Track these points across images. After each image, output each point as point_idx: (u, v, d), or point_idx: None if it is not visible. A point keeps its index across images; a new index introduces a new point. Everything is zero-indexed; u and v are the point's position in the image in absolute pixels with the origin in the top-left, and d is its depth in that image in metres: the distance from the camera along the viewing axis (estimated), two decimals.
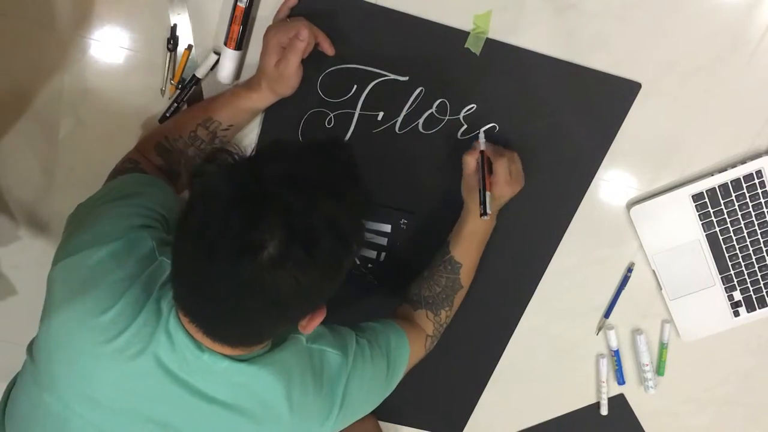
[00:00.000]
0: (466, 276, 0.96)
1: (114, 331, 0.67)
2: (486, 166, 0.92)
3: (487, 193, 0.91)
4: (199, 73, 0.94)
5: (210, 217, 0.59)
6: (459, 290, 0.97)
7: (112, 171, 0.92)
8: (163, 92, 0.97)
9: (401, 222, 1.03)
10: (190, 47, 0.94)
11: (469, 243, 0.95)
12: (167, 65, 0.95)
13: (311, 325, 0.70)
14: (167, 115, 0.96)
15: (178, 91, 0.95)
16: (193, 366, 0.68)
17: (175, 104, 0.95)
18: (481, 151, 0.93)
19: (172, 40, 0.93)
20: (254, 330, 0.68)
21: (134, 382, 0.68)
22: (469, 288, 0.99)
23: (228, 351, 0.69)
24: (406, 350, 0.89)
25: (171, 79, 0.95)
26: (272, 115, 0.97)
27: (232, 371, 0.69)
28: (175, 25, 0.93)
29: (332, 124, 0.97)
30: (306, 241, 0.59)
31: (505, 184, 0.92)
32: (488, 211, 0.90)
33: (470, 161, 0.93)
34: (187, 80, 0.94)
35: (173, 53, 0.94)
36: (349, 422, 0.82)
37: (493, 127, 0.98)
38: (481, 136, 0.95)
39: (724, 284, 1.05)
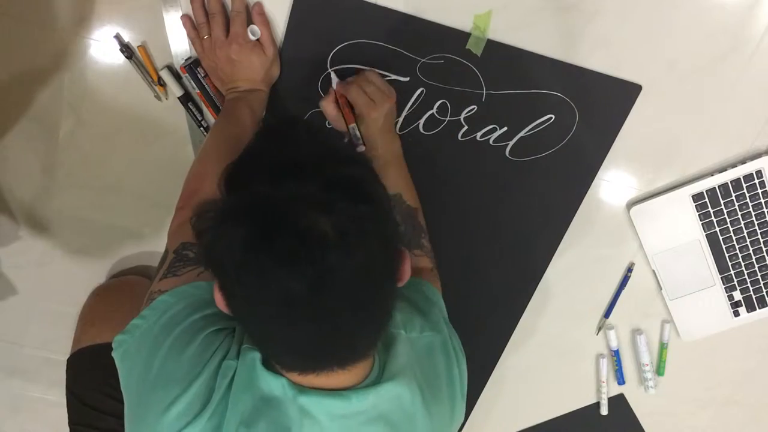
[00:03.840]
0: (411, 198, 0.93)
1: None
2: (343, 103, 0.91)
3: (350, 126, 0.90)
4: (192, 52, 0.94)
5: (269, 242, 0.54)
6: (416, 212, 0.93)
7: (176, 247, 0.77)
8: (159, 97, 0.97)
9: None
10: (143, 43, 0.94)
11: (386, 173, 0.90)
12: (140, 72, 0.95)
13: (405, 272, 0.63)
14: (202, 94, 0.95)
15: (187, 74, 0.94)
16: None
17: (195, 89, 0.95)
18: (335, 91, 0.92)
19: (124, 48, 0.93)
20: (371, 318, 0.61)
21: None
22: (467, 288, 0.98)
23: (352, 377, 0.64)
24: (439, 294, 0.85)
25: (153, 82, 0.95)
26: (273, 115, 0.97)
27: (366, 398, 0.64)
28: (118, 34, 0.93)
29: (333, 125, 0.97)
30: (340, 201, 0.55)
31: (368, 109, 0.89)
32: (361, 141, 0.90)
33: (327, 107, 0.92)
34: (186, 61, 0.94)
35: (133, 58, 0.94)
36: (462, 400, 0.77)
37: (494, 128, 0.98)
38: (333, 76, 0.93)
39: (724, 284, 1.05)
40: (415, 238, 0.91)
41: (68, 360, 1.02)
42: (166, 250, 0.76)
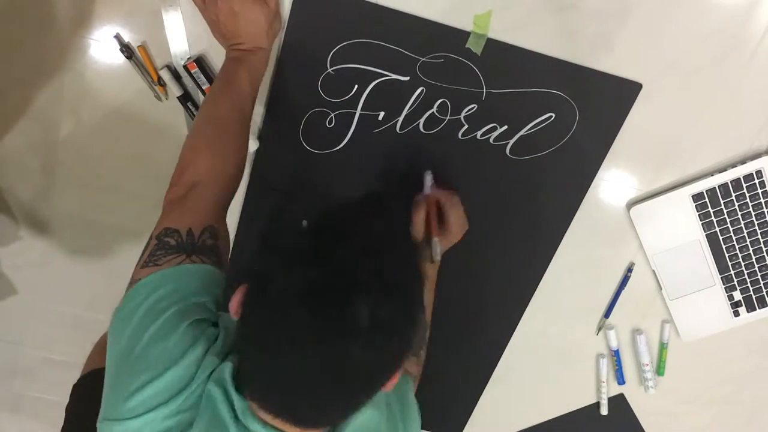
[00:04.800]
0: (428, 315, 0.99)
1: None
2: (433, 214, 0.93)
3: (434, 240, 0.92)
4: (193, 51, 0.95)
5: (302, 303, 0.58)
6: (427, 328, 0.98)
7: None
8: (159, 97, 0.97)
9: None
10: (143, 43, 0.94)
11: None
12: (140, 72, 0.95)
13: (391, 383, 0.66)
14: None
15: (190, 73, 0.94)
16: None
17: (206, 83, 0.95)
18: (425, 195, 0.95)
19: (124, 48, 0.93)
20: (351, 404, 0.65)
21: None
22: (468, 288, 1.00)
23: None
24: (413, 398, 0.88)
25: (153, 82, 0.95)
26: (273, 115, 0.97)
27: None
28: (118, 34, 0.93)
29: (333, 124, 0.97)
30: (391, 313, 0.59)
31: (458, 233, 0.94)
32: (437, 258, 0.92)
33: (419, 215, 0.93)
34: (188, 60, 0.94)
35: (133, 58, 0.94)
36: None
37: (494, 126, 0.98)
38: (428, 179, 0.96)
39: (724, 284, 1.05)
40: (417, 348, 0.95)
41: (73, 386, 1.01)
42: (152, 235, 0.75)
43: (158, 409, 0.63)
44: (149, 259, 0.72)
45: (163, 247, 0.72)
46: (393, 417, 0.79)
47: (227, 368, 0.65)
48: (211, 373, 0.65)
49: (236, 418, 0.64)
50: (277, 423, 0.64)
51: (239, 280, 0.65)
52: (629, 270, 1.07)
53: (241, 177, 0.84)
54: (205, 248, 0.74)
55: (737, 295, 1.06)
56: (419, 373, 0.96)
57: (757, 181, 1.00)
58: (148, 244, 0.74)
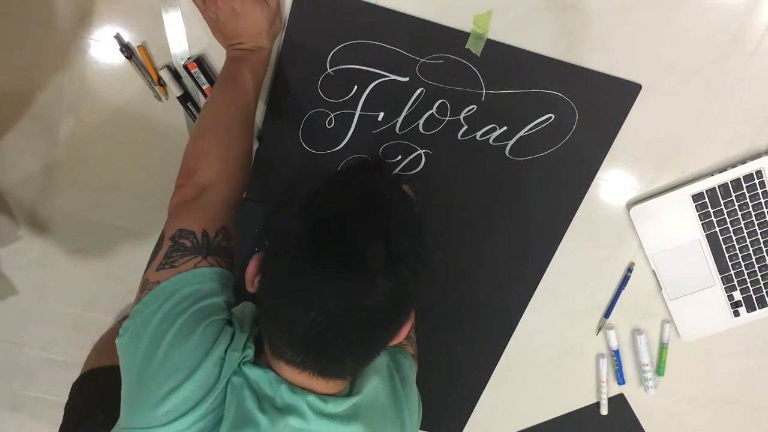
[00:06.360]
0: None
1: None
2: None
3: None
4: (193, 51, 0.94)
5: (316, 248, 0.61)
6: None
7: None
8: (159, 97, 0.97)
9: None
10: (143, 43, 0.94)
11: None
12: (140, 72, 0.95)
13: (403, 332, 0.69)
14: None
15: (191, 73, 0.94)
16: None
17: (205, 83, 0.95)
18: None
19: (124, 48, 0.93)
20: (371, 349, 0.68)
21: None
22: (467, 288, 1.00)
23: (330, 389, 0.69)
24: (413, 373, 0.89)
25: (153, 82, 0.95)
26: (273, 115, 0.97)
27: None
28: (118, 34, 0.93)
29: (332, 125, 0.97)
30: (402, 245, 0.63)
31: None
32: None
33: None
34: (188, 60, 0.94)
35: (133, 58, 0.94)
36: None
37: (493, 127, 0.98)
38: None
39: (724, 284, 1.05)
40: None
41: (73, 385, 1.02)
42: (163, 234, 0.74)
43: (190, 414, 0.64)
44: (165, 261, 0.72)
45: (179, 248, 0.72)
46: (397, 395, 0.79)
47: (248, 354, 0.67)
48: (234, 370, 0.67)
49: (262, 408, 0.65)
50: (303, 379, 0.67)
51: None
52: (629, 270, 1.07)
53: (248, 176, 0.84)
54: (219, 249, 0.74)
55: (737, 295, 1.06)
56: (415, 352, 0.96)
57: (757, 181, 1.00)
58: (159, 246, 0.74)
